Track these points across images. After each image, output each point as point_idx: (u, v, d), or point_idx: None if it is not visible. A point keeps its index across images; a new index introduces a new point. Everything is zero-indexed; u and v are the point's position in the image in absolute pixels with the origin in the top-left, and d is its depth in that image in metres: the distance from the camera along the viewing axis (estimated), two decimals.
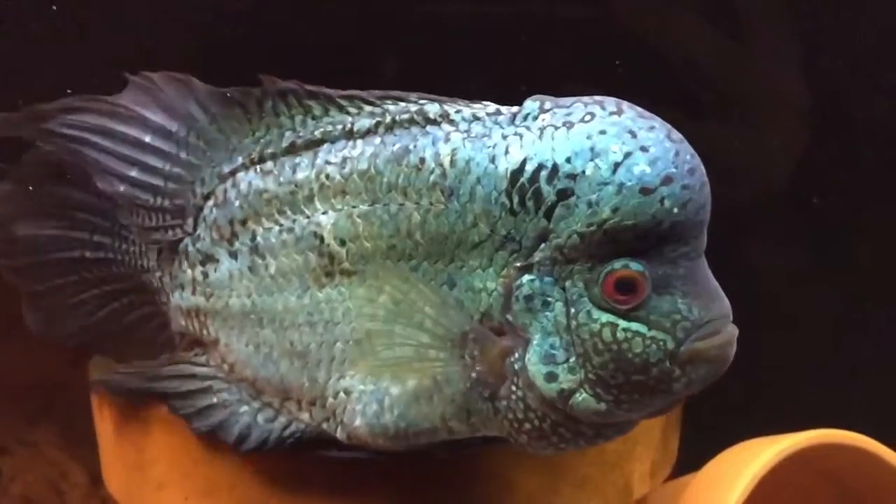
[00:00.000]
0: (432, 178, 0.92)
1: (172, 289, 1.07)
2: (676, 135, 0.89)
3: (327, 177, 0.97)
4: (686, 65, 1.56)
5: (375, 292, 0.95)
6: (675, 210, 0.86)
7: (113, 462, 1.14)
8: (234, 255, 1.02)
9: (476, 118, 0.94)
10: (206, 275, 1.04)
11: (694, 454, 1.40)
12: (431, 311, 0.93)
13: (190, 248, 1.05)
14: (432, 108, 0.95)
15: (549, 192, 0.88)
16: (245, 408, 1.02)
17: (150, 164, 1.03)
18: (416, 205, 0.93)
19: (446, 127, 0.94)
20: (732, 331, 0.91)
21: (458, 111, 0.94)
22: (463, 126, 0.93)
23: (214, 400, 1.03)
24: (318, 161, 0.98)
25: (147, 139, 1.02)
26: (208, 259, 1.04)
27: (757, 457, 1.29)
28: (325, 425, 0.99)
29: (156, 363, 1.07)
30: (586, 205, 0.86)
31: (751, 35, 1.60)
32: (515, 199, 0.89)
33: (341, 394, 0.98)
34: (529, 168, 0.88)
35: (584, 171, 0.87)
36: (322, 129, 0.98)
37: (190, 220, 1.04)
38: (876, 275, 1.67)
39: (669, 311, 0.88)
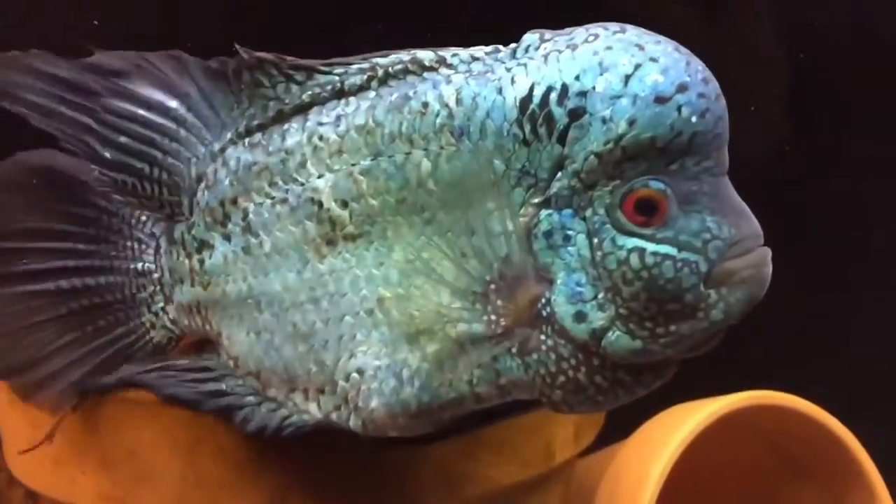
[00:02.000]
0: (439, 120, 0.88)
1: (173, 286, 1.01)
2: (684, 49, 0.86)
3: (321, 138, 0.92)
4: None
5: (385, 253, 0.90)
6: (694, 119, 0.82)
7: (11, 440, 1.10)
8: (227, 237, 0.96)
9: (474, 58, 0.90)
10: (202, 262, 0.98)
11: (628, 421, 1.37)
12: (450, 265, 0.88)
13: (186, 236, 0.99)
14: (427, 55, 0.90)
15: (560, 115, 0.84)
16: (250, 398, 0.96)
17: (144, 134, 0.97)
18: (425, 151, 0.88)
19: (445, 70, 0.90)
20: (766, 251, 0.86)
21: (454, 55, 0.90)
22: (462, 67, 0.89)
23: (223, 387, 0.97)
24: (310, 124, 0.93)
25: (141, 111, 0.97)
26: (203, 245, 0.98)
27: (687, 420, 1.27)
28: (334, 415, 0.93)
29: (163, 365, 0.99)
30: (600, 121, 0.83)
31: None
32: (527, 128, 0.85)
33: (354, 375, 0.92)
34: (538, 92, 0.85)
35: (594, 87, 0.83)
36: (310, 93, 0.93)
37: (186, 203, 0.99)
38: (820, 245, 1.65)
39: (699, 230, 0.84)
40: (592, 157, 0.84)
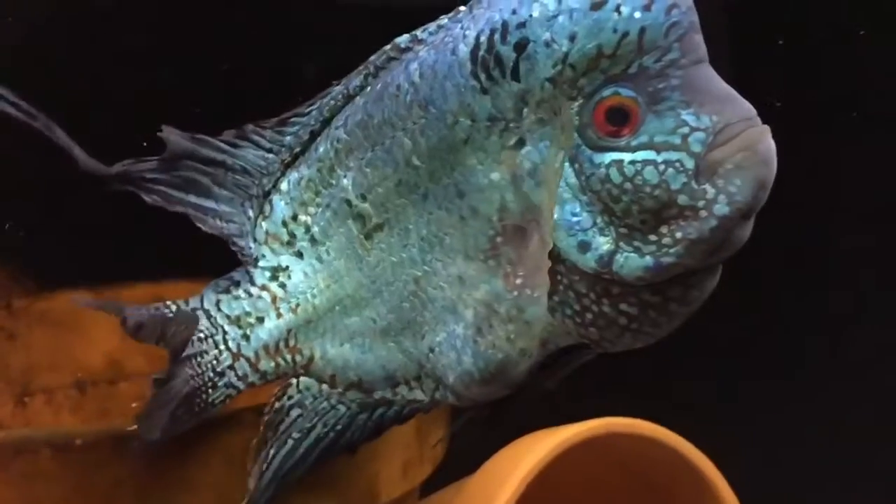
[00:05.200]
0: (408, 97, 0.92)
1: (245, 334, 1.04)
2: None
3: (338, 140, 0.98)
4: None
5: (405, 236, 0.95)
6: (637, 14, 0.81)
7: None
8: (299, 254, 1.02)
9: (440, 27, 0.93)
10: (284, 286, 1.03)
11: (478, 454, 1.33)
12: (455, 232, 0.91)
13: (253, 270, 1.04)
14: (403, 39, 0.96)
15: (507, 52, 0.85)
16: (360, 417, 1.02)
17: (198, 190, 1.04)
18: (404, 130, 0.92)
19: (417, 48, 0.94)
20: (760, 130, 0.82)
21: (424, 29, 0.94)
22: (430, 39, 0.93)
23: (321, 433, 1.02)
24: (330, 130, 1.00)
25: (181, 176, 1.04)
26: (277, 270, 1.03)
27: (535, 450, 1.25)
28: (437, 395, 0.99)
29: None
30: (544, 46, 0.83)
31: None
32: (482, 76, 0.87)
33: (430, 354, 0.96)
34: (484, 38, 0.86)
35: (531, 15, 0.84)
36: (328, 107, 1.00)
37: (251, 242, 1.05)
38: None
39: (675, 126, 0.81)
40: (547, 83, 0.84)
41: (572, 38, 0.82)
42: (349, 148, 0.97)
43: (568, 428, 1.26)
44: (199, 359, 1.05)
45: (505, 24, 0.85)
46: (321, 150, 1.00)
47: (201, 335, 1.05)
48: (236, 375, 1.04)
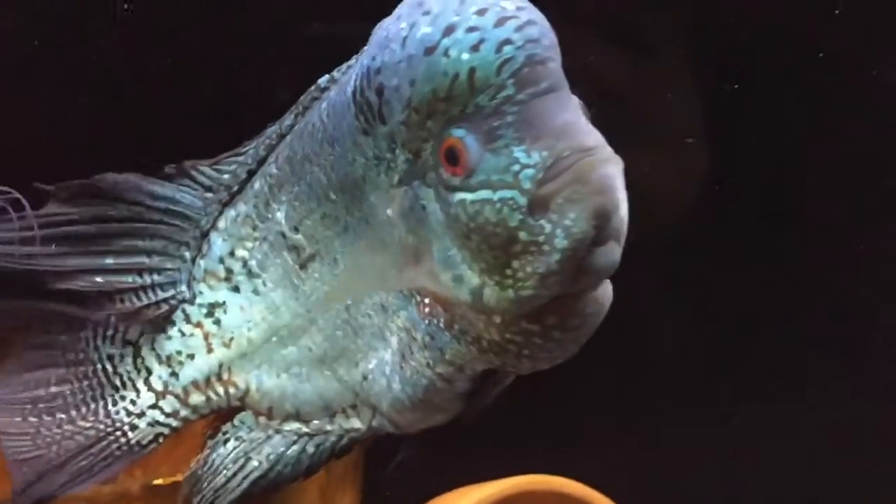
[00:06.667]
0: (320, 135, 0.94)
1: (174, 372, 1.05)
2: None
3: (271, 176, 1.00)
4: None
5: (335, 265, 0.96)
6: (465, 56, 0.80)
7: None
8: (236, 289, 1.03)
9: (349, 66, 0.95)
10: (219, 322, 1.04)
11: None
12: (372, 263, 0.92)
13: (189, 309, 1.05)
14: (323, 79, 0.97)
15: (372, 97, 0.86)
16: (294, 448, 1.01)
17: (125, 246, 1.03)
18: (319, 166, 0.94)
19: (333, 87, 0.95)
20: (594, 160, 0.79)
21: (339, 69, 0.96)
22: (341, 79, 0.94)
23: (255, 463, 1.02)
24: (265, 168, 1.01)
25: (114, 227, 1.03)
26: (214, 307, 1.04)
27: None
28: (374, 423, 0.99)
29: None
30: (394, 91, 0.84)
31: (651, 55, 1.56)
32: (361, 119, 0.88)
33: (363, 383, 0.97)
34: (357, 83, 0.88)
35: (385, 61, 0.84)
36: (264, 146, 1.01)
37: (184, 286, 1.05)
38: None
39: (507, 164, 0.80)
40: (401, 126, 0.85)
41: (412, 83, 0.82)
42: (280, 182, 0.99)
43: (485, 486, 1.25)
44: (108, 408, 1.05)
45: (368, 70, 0.85)
46: (256, 185, 1.01)
47: (117, 382, 1.06)
48: (163, 413, 1.04)
